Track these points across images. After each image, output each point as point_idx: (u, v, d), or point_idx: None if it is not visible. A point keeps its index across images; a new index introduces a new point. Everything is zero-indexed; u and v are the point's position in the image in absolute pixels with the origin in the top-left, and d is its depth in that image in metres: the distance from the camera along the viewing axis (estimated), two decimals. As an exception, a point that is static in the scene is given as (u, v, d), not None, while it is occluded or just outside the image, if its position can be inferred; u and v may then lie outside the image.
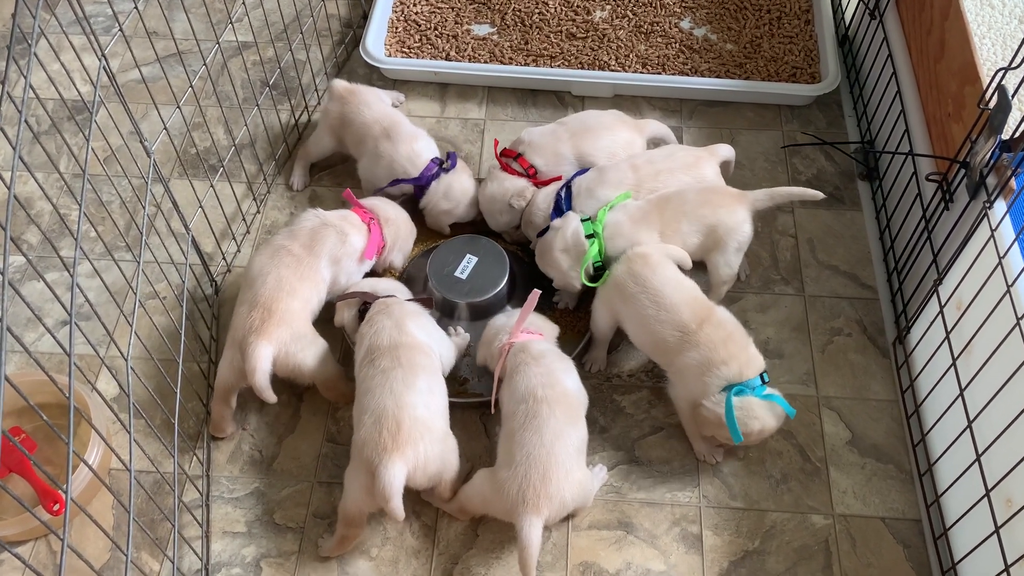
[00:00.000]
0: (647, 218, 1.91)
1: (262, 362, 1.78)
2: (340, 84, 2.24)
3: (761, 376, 1.74)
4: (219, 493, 1.86)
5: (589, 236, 1.91)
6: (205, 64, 1.91)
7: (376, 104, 2.19)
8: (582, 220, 1.93)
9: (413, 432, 1.61)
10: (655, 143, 2.23)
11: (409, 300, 1.87)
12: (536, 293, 1.81)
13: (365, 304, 1.88)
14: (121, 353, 1.44)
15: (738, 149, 2.36)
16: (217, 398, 1.90)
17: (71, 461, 1.17)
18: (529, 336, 1.83)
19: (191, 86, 1.89)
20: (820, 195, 1.95)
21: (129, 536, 1.36)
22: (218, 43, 1.93)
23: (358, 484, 1.64)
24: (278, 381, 1.93)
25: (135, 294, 1.59)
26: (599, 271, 1.95)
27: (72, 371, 1.20)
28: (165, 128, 1.80)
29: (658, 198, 1.93)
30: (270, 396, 1.81)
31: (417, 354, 1.73)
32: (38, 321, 2.04)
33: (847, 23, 2.59)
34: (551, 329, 1.90)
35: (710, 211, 1.90)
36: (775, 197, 1.94)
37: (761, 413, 1.72)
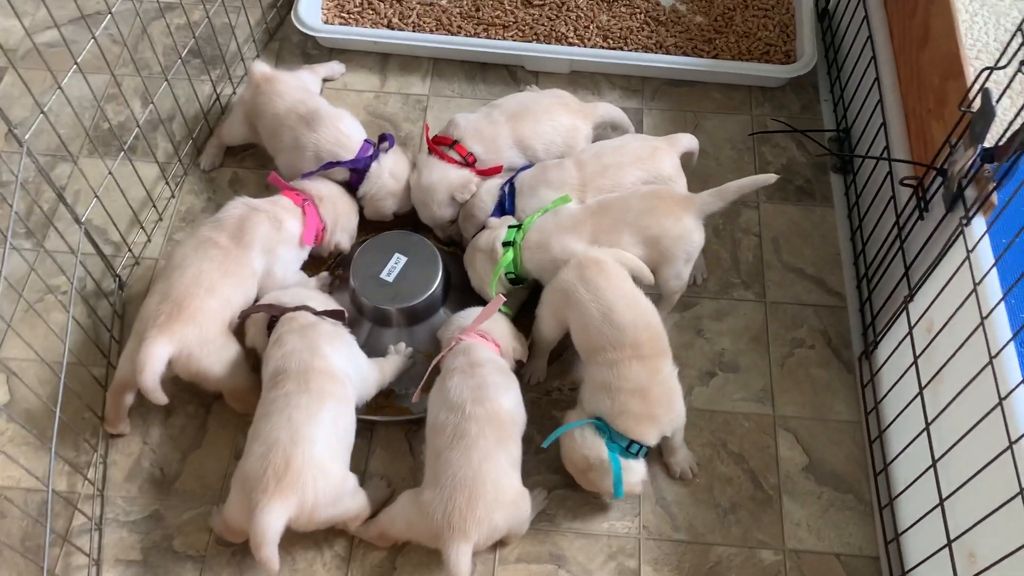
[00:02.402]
0: (578, 227, 1.72)
1: (154, 360, 1.60)
2: (258, 69, 2.01)
3: (631, 445, 1.58)
4: (114, 515, 1.69)
5: (508, 244, 1.73)
6: (93, 38, 1.69)
7: (291, 93, 1.96)
8: (511, 226, 1.75)
9: (303, 474, 1.45)
10: (608, 129, 2.04)
11: (320, 312, 1.68)
12: (500, 298, 1.67)
13: (274, 319, 1.68)
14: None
15: (703, 135, 2.17)
16: (113, 390, 1.73)
17: None
18: (481, 341, 1.66)
19: (74, 63, 1.67)
20: (773, 178, 1.76)
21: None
22: (111, 11, 1.71)
23: (238, 508, 1.49)
24: (185, 388, 1.76)
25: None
26: (515, 283, 1.80)
27: None
28: (42, 113, 1.59)
29: (598, 204, 1.75)
30: (159, 397, 1.64)
31: (328, 381, 1.55)
32: None
33: (827, -5, 2.37)
34: (512, 348, 1.72)
35: (654, 220, 1.70)
36: (725, 195, 1.74)
37: (594, 459, 1.58)
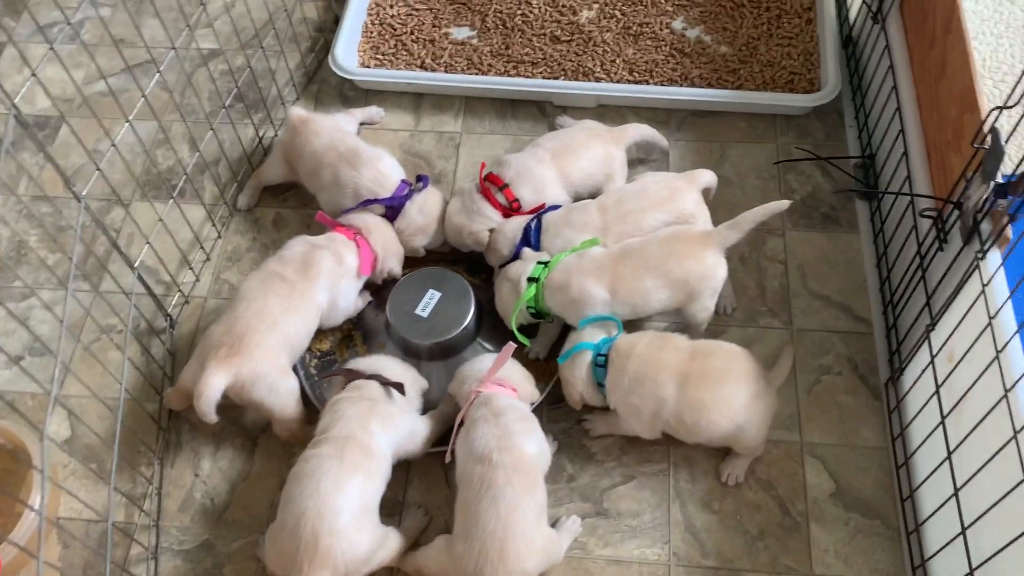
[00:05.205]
0: (599, 272, 1.78)
1: (210, 391, 1.70)
2: (294, 113, 2.12)
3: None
4: (168, 544, 1.79)
5: (533, 280, 1.80)
6: (143, 96, 1.80)
7: (327, 132, 2.06)
8: (540, 262, 1.82)
9: (332, 549, 1.51)
10: (642, 149, 2.14)
11: (387, 383, 1.72)
12: (511, 346, 1.70)
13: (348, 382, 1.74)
14: (47, 391, 1.35)
15: (729, 164, 2.22)
16: (169, 396, 1.88)
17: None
18: (499, 389, 1.71)
19: (126, 120, 1.78)
20: (786, 204, 1.79)
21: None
22: (159, 70, 1.82)
23: (278, 568, 1.57)
24: (233, 421, 1.88)
25: (59, 341, 1.50)
26: (536, 317, 1.87)
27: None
28: (98, 170, 1.70)
29: (620, 251, 1.80)
30: (211, 419, 1.73)
31: (364, 456, 1.60)
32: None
33: (852, 22, 2.40)
34: (528, 390, 1.77)
35: (676, 264, 1.75)
36: (742, 226, 1.77)
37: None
